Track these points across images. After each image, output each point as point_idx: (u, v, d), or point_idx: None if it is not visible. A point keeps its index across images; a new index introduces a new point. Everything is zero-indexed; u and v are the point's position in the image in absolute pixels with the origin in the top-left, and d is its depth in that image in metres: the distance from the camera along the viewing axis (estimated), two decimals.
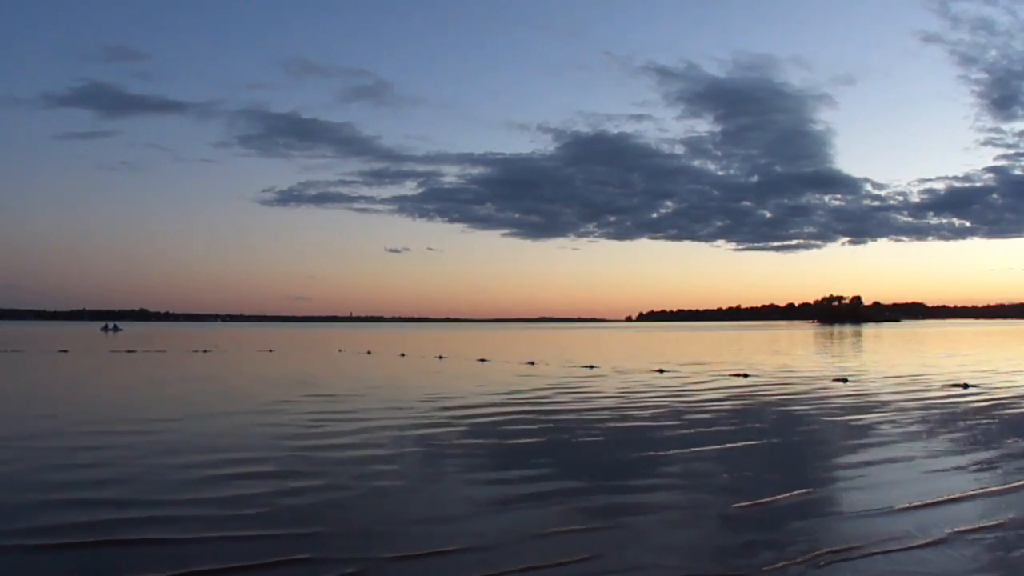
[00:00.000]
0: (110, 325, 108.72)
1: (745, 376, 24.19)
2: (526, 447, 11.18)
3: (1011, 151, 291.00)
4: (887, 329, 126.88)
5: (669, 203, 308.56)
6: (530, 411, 15.39)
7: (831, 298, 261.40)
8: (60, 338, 68.59)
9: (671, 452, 10.74)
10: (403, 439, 11.59)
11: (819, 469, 9.61)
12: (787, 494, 8.04)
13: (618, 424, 13.58)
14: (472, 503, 7.69)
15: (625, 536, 6.54)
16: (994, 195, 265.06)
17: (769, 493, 8.11)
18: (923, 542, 6.25)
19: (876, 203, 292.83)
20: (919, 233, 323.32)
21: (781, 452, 10.78)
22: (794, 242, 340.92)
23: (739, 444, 11.37)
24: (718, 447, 11.14)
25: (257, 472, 9.09)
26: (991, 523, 6.80)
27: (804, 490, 8.25)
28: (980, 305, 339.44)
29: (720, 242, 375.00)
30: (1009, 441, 11.48)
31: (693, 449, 10.96)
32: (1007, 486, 8.33)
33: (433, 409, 15.58)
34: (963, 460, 9.90)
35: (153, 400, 17.52)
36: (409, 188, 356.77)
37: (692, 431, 12.74)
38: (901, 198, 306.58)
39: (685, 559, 5.93)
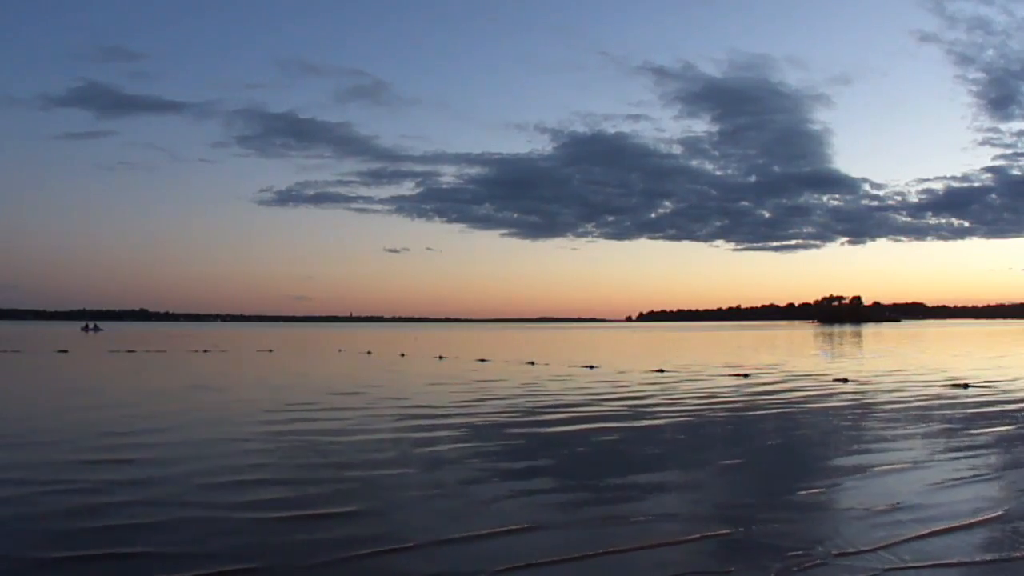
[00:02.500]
0: (90, 325, 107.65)
1: (746, 376, 24.11)
2: (529, 449, 11.11)
3: (1009, 151, 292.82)
4: (887, 329, 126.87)
5: (667, 203, 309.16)
6: (532, 412, 15.29)
7: (831, 298, 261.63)
8: (55, 338, 68.46)
9: (672, 453, 10.68)
10: (432, 455, 10.96)
11: (821, 470, 9.51)
12: (789, 495, 7.97)
13: (619, 424, 13.48)
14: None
15: (626, 538, 6.43)
16: (992, 195, 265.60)
17: (771, 494, 8.05)
18: (928, 541, 6.17)
19: (874, 203, 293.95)
20: (918, 233, 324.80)
21: (783, 453, 10.69)
22: (793, 242, 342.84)
23: (741, 444, 11.31)
24: (719, 447, 11.07)
25: (317, 516, 7.24)
26: (990, 519, 6.71)
27: (806, 492, 8.17)
28: (980, 305, 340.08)
29: (719, 242, 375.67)
30: (1009, 440, 11.41)
31: (694, 449, 10.89)
32: (1008, 484, 8.25)
33: (440, 414, 15.35)
34: (964, 461, 9.79)
35: (164, 408, 16.71)
36: (407, 188, 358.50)
37: (694, 431, 12.67)
38: (899, 198, 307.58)
39: (685, 561, 5.84)
